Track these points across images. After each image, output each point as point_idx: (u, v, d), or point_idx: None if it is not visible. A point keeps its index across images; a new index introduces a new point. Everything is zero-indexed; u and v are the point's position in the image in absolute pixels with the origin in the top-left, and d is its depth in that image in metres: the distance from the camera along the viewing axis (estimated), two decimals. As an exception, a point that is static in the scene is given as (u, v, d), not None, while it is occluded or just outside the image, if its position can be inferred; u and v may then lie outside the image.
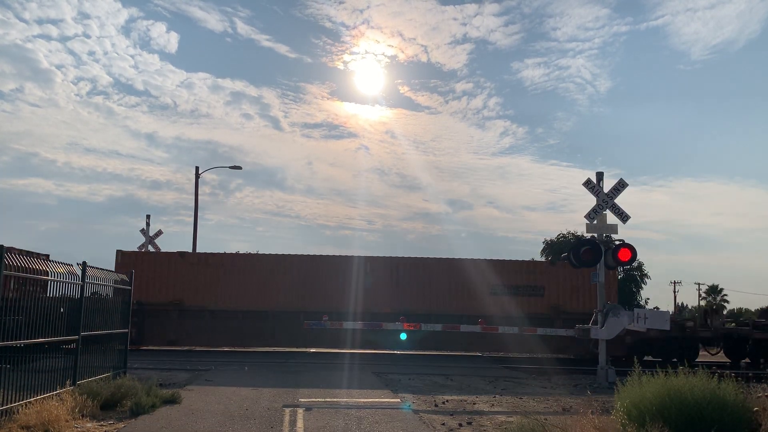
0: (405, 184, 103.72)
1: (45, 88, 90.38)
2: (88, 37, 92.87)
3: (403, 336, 22.02)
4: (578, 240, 19.29)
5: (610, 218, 16.01)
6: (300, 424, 9.09)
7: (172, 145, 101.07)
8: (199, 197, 33.70)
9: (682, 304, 73.04)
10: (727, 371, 8.02)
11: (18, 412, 8.17)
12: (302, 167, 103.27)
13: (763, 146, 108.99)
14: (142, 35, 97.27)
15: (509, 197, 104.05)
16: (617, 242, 15.78)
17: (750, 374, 9.83)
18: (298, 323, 20.56)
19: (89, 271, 10.97)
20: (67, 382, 10.04)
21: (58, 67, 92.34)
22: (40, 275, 9.09)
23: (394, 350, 23.22)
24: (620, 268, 34.65)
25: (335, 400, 11.61)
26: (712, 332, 22.68)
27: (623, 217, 15.93)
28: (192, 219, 33.58)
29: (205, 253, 23.87)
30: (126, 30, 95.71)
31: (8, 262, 8.06)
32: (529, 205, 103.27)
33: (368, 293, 22.44)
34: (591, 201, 16.10)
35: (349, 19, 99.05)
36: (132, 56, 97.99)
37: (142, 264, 21.91)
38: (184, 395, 11.27)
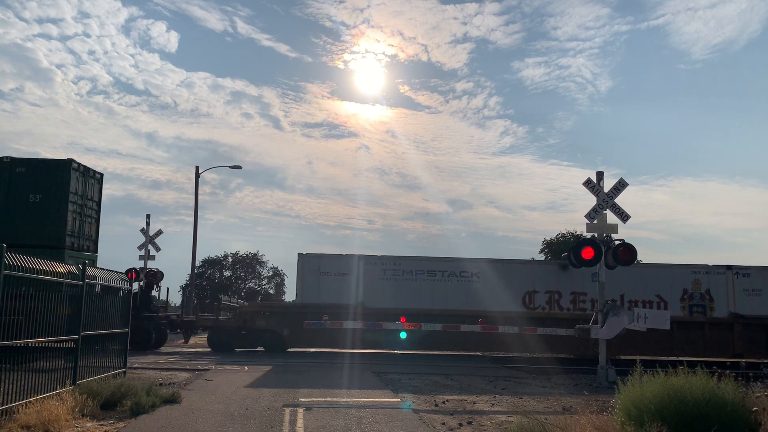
0: (405, 183, 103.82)
1: (45, 87, 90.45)
2: (88, 36, 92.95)
3: (403, 335, 22.06)
4: (578, 240, 19.30)
5: (611, 218, 16.01)
6: (300, 423, 9.09)
7: (172, 145, 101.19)
8: (199, 197, 33.77)
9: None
10: (727, 371, 8.02)
11: (18, 411, 8.17)
12: (302, 167, 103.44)
13: (763, 146, 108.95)
14: (142, 34, 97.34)
15: (509, 197, 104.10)
16: (617, 242, 15.79)
17: (750, 374, 9.83)
18: None
19: (89, 271, 10.98)
20: (67, 381, 10.05)
21: (58, 66, 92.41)
22: (40, 275, 9.09)
23: (393, 350, 23.25)
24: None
25: (335, 399, 11.62)
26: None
27: (623, 216, 15.93)
28: (192, 219, 33.61)
29: None
30: (126, 29, 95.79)
31: (8, 262, 8.07)
32: (530, 204, 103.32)
33: None
34: (591, 201, 16.11)
35: (350, 18, 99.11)
36: (132, 55, 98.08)
37: None
38: (184, 395, 11.27)
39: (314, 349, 23.24)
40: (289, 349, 22.97)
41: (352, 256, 23.01)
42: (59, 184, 22.24)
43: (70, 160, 22.76)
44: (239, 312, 23.75)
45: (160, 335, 23.93)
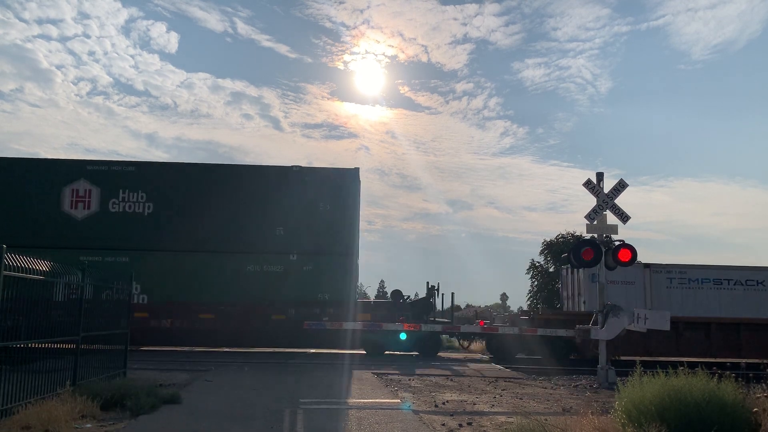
0: (405, 184, 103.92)
1: (45, 88, 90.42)
2: (88, 37, 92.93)
3: (403, 336, 22.06)
4: (578, 240, 19.28)
5: (611, 218, 16.02)
6: (300, 424, 9.09)
7: (172, 146, 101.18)
8: (200, 197, 33.68)
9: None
10: (728, 371, 8.01)
11: (18, 412, 8.17)
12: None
13: (763, 146, 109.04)
14: (142, 35, 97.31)
15: (509, 197, 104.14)
16: (617, 242, 15.79)
17: (750, 374, 9.82)
18: None
19: (89, 272, 10.99)
20: (67, 382, 10.04)
21: (58, 67, 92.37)
22: (40, 276, 9.09)
23: (393, 351, 23.21)
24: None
25: (335, 400, 11.61)
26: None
27: (623, 217, 15.93)
28: (192, 219, 33.52)
29: None
30: (126, 30, 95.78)
31: (8, 263, 8.07)
32: (530, 205, 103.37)
33: None
34: (591, 201, 16.11)
35: (350, 19, 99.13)
36: (132, 56, 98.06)
37: None
38: (184, 395, 11.26)
39: (313, 350, 23.21)
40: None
41: (637, 264, 23.13)
42: (348, 192, 22.86)
43: (357, 169, 23.26)
44: (532, 319, 23.24)
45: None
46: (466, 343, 24.81)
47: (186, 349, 22.78)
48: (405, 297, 23.57)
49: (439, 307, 24.10)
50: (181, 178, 23.03)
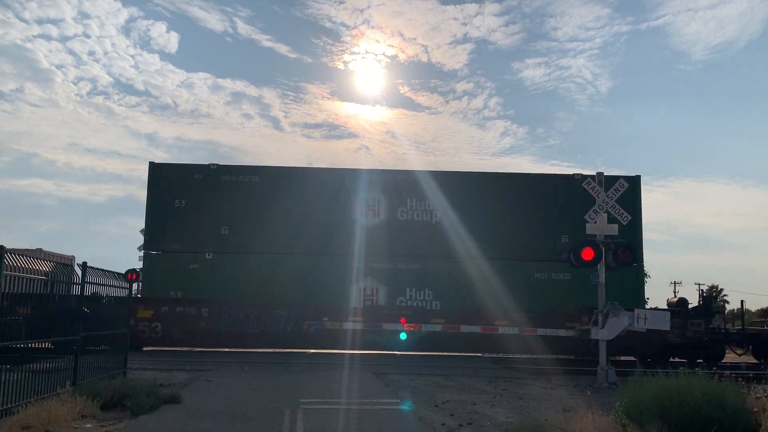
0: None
1: (45, 88, 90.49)
2: (88, 36, 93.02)
3: (403, 336, 22.05)
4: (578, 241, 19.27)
5: (611, 219, 16.01)
6: (300, 424, 9.08)
7: (172, 145, 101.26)
8: (200, 197, 33.68)
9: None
10: (728, 371, 8.02)
11: (18, 412, 8.17)
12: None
13: (763, 146, 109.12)
14: (142, 35, 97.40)
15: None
16: (617, 243, 15.79)
17: (750, 374, 9.84)
18: None
19: (89, 272, 10.99)
20: (67, 382, 10.04)
21: (58, 67, 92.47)
22: (40, 276, 9.09)
23: (393, 350, 23.20)
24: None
25: (335, 400, 11.60)
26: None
27: (623, 217, 15.93)
28: (192, 219, 33.50)
29: None
30: (126, 30, 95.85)
31: (8, 263, 8.07)
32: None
33: None
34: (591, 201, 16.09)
35: (350, 18, 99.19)
36: (132, 56, 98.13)
37: None
38: (184, 395, 11.26)
39: (313, 350, 23.19)
40: None
41: None
42: (631, 200, 22.15)
43: (639, 177, 23.12)
44: None
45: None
46: (740, 351, 23.58)
47: (186, 349, 22.76)
48: (689, 304, 22.80)
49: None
50: (462, 186, 23.28)
